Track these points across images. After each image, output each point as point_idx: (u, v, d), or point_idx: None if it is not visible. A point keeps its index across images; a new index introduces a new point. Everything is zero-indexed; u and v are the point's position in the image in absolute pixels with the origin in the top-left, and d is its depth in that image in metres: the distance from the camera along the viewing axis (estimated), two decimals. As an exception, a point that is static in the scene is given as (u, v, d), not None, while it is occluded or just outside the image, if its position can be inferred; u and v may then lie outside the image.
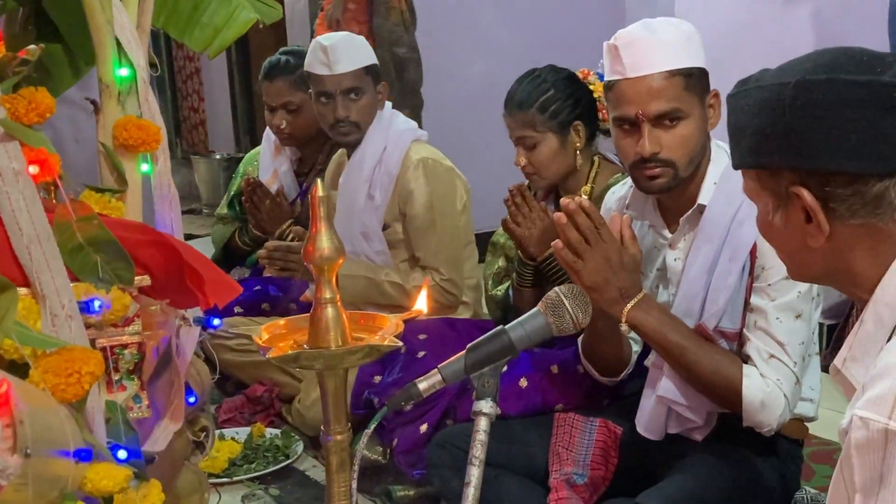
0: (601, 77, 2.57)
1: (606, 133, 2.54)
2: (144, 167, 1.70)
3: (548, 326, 1.56)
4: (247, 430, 3.14)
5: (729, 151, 2.06)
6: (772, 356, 1.98)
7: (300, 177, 3.71)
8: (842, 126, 1.14)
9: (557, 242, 1.99)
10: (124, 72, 1.68)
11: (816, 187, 1.17)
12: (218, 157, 8.02)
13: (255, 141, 5.78)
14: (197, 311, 1.70)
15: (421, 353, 2.70)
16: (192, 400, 1.61)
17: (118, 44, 1.66)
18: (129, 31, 1.69)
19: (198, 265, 1.40)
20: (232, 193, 3.85)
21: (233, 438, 3.09)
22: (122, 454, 1.29)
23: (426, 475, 2.51)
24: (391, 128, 3.19)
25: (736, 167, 1.29)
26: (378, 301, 3.07)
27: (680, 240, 2.11)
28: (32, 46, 1.40)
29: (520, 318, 1.57)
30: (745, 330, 2.01)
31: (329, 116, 3.15)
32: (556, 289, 1.59)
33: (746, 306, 2.01)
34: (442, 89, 5.26)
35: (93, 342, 1.36)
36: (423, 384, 1.52)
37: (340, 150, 3.34)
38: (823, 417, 2.21)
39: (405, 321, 1.59)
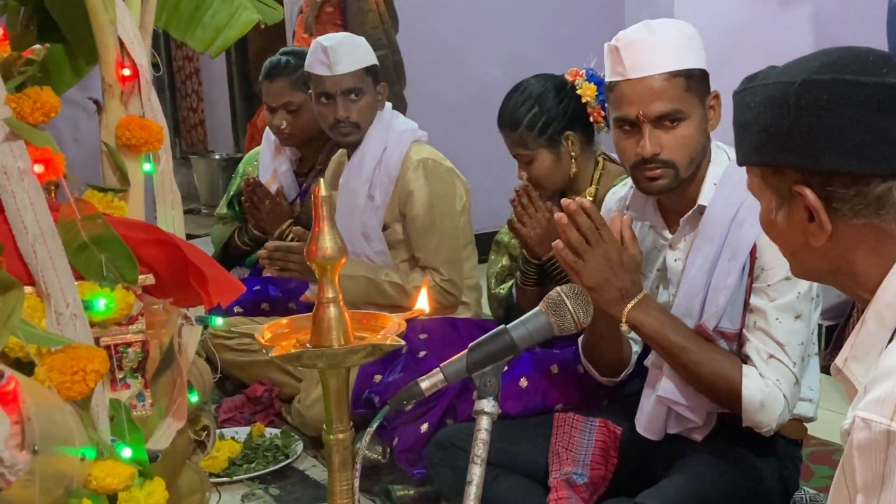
0: (591, 78, 2.59)
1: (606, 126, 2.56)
2: (147, 167, 1.71)
3: (549, 326, 1.57)
4: (246, 429, 3.15)
5: (729, 152, 2.08)
6: (771, 356, 1.98)
7: (300, 177, 3.71)
8: (845, 126, 1.14)
9: (558, 242, 1.99)
10: (127, 72, 1.68)
11: (819, 187, 1.18)
12: (217, 157, 8.03)
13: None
14: (199, 310, 1.71)
15: (422, 353, 2.70)
16: (195, 399, 1.62)
17: (121, 43, 1.67)
18: (132, 30, 1.69)
19: (201, 264, 1.40)
20: (231, 193, 3.85)
21: (232, 438, 3.10)
22: (126, 452, 1.30)
23: (426, 474, 2.51)
24: (391, 128, 3.20)
25: (740, 164, 1.30)
26: (378, 301, 3.07)
27: (680, 240, 2.12)
28: (38, 46, 1.40)
29: (521, 318, 1.58)
30: (744, 330, 2.02)
31: (329, 117, 3.16)
32: (558, 288, 1.59)
33: (746, 307, 2.02)
34: (442, 89, 5.27)
35: (97, 340, 1.37)
36: (425, 383, 1.53)
37: (340, 151, 3.34)
38: (822, 418, 2.22)
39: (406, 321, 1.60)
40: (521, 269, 2.67)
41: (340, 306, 1.51)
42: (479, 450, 1.48)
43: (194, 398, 1.64)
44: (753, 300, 2.01)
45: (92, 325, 1.35)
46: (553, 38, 5.36)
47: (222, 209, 3.89)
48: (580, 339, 2.28)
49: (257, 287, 3.54)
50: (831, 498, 1.16)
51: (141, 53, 1.69)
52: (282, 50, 3.67)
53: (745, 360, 2.01)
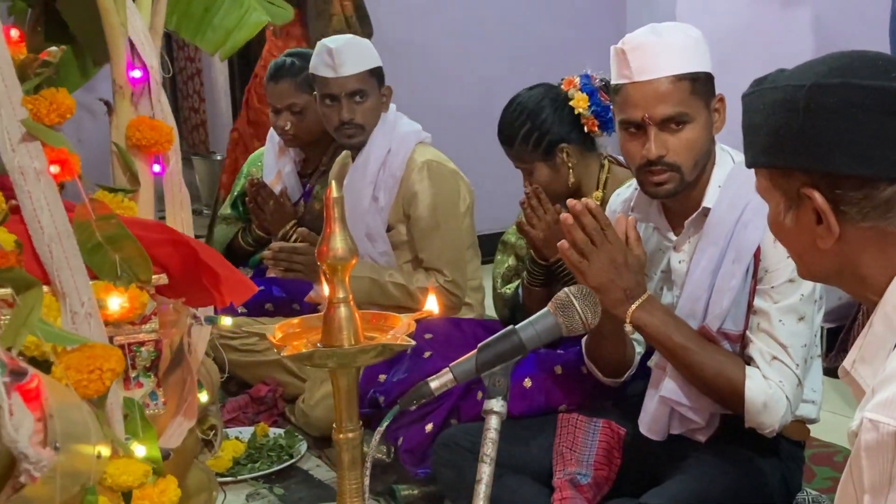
0: (584, 87, 2.61)
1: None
2: (156, 167, 1.72)
3: (557, 326, 1.58)
4: (250, 429, 3.16)
5: (733, 155, 2.09)
6: (774, 358, 1.99)
7: (304, 178, 3.71)
8: (854, 130, 1.15)
9: (563, 243, 2.00)
10: (137, 73, 1.70)
11: (828, 190, 1.19)
12: (218, 157, 8.01)
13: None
14: (207, 310, 1.72)
15: (427, 353, 2.71)
16: (204, 398, 1.63)
17: (132, 45, 1.68)
18: (143, 32, 1.70)
19: (214, 264, 1.41)
20: (235, 194, 3.86)
21: (237, 438, 3.10)
22: (140, 450, 1.31)
23: (431, 474, 2.52)
24: (395, 130, 3.21)
25: (748, 166, 1.31)
26: (381, 301, 3.08)
27: (684, 242, 2.13)
28: (54, 49, 1.41)
29: (530, 318, 1.59)
30: (747, 332, 2.03)
31: (334, 118, 3.17)
32: (566, 289, 1.61)
33: (750, 308, 2.03)
34: (445, 91, 5.27)
35: (110, 339, 1.38)
36: (434, 383, 1.54)
37: (345, 152, 3.32)
38: (824, 420, 2.23)
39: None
40: (528, 270, 2.68)
41: (351, 306, 1.53)
42: (489, 449, 1.49)
43: (204, 397, 1.66)
44: (757, 302, 2.02)
45: (106, 324, 1.36)
46: (556, 40, 5.36)
47: (226, 210, 3.90)
48: (584, 340, 2.29)
49: (261, 288, 3.53)
50: (838, 498, 1.16)
51: (151, 55, 1.71)
52: (286, 51, 3.68)
53: (749, 361, 2.02)
